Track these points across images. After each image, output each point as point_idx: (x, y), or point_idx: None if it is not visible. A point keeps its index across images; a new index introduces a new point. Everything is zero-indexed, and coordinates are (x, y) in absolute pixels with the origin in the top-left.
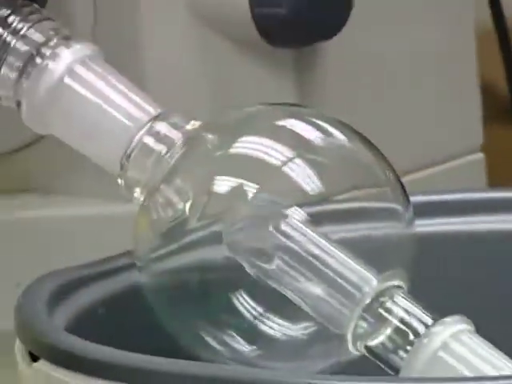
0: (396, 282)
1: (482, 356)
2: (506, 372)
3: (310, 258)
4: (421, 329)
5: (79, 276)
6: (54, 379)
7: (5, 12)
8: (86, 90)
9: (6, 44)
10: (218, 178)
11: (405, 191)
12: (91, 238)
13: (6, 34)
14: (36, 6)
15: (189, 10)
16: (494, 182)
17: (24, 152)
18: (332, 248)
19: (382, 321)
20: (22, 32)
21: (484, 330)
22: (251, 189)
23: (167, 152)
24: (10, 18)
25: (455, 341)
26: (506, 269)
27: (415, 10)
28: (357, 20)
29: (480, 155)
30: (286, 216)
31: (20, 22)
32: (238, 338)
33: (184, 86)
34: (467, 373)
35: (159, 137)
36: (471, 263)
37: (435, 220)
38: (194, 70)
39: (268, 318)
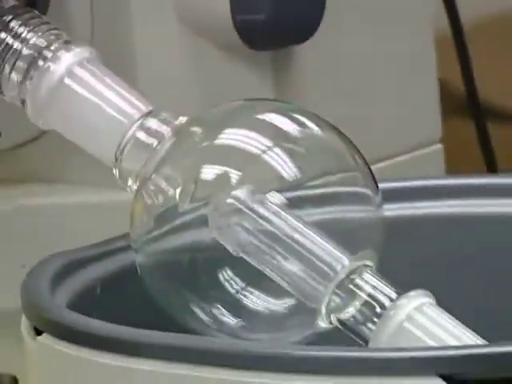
0: (366, 262)
1: (444, 326)
2: (466, 341)
3: (287, 239)
4: (387, 302)
5: (79, 257)
6: (55, 351)
7: (8, 17)
8: (84, 89)
9: (9, 47)
10: (204, 166)
11: (374, 177)
12: (90, 223)
13: (9, 38)
14: (37, 12)
15: (178, 19)
16: (451, 170)
17: (29, 145)
18: (307, 230)
19: (352, 296)
20: (25, 36)
21: (445, 302)
22: (234, 176)
23: (158, 145)
24: (13, 23)
25: (418, 312)
26: (462, 247)
27: (381, 16)
28: (326, 25)
29: (439, 146)
30: (265, 200)
31: (22, 26)
32: (224, 311)
33: (173, 87)
34: (431, 342)
35: (150, 131)
36: (434, 243)
37: (401, 204)
38: (182, 73)
39: (250, 293)
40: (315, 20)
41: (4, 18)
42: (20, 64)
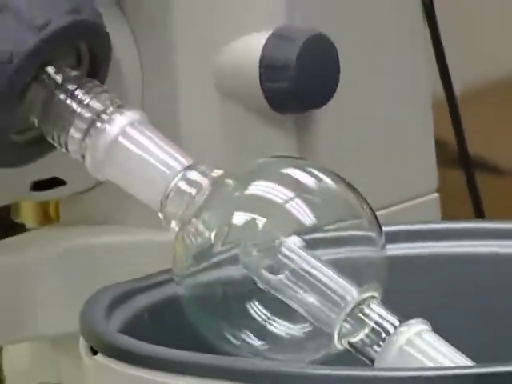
0: (372, 293)
1: (439, 350)
2: (457, 362)
3: (305, 274)
4: (391, 329)
5: (130, 288)
6: (108, 369)
7: (73, 86)
8: (135, 146)
9: (73, 111)
10: (235, 213)
11: (378, 222)
12: (139, 258)
13: (74, 103)
14: (97, 82)
15: (216, 88)
16: (446, 216)
17: (89, 192)
18: (322, 266)
19: (361, 323)
20: (86, 102)
21: (441, 330)
22: (261, 222)
23: (196, 193)
24: (77, 91)
25: (417, 338)
26: (455, 280)
27: (388, 85)
28: (339, 94)
29: (435, 195)
30: (287, 242)
31: (85, 94)
32: (251, 335)
33: (211, 144)
34: (428, 363)
35: (190, 182)
36: (429, 278)
37: (402, 245)
38: (219, 132)
39: (274, 320)
40: (331, 89)
41: (70, 87)
42: (81, 125)
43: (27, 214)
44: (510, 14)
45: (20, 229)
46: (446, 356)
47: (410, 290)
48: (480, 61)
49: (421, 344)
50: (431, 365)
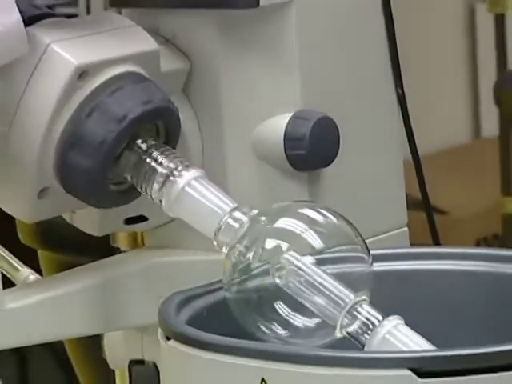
0: (363, 297)
1: (411, 338)
2: (424, 347)
3: (316, 283)
4: (376, 322)
5: (192, 293)
6: (178, 350)
7: (154, 152)
8: (197, 194)
9: (153, 169)
10: (267, 240)
11: (367, 247)
12: (199, 272)
13: (153, 163)
14: (170, 148)
15: (254, 153)
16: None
17: (165, 225)
18: (328, 277)
19: (355, 318)
20: (162, 163)
21: (410, 323)
22: (284, 246)
23: (240, 227)
24: (157, 156)
25: (395, 329)
26: (423, 289)
27: (372, 148)
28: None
29: (406, 228)
30: (303, 260)
31: (162, 157)
32: (278, 326)
33: (249, 192)
34: (403, 348)
35: (235, 219)
36: (405, 286)
37: (384, 263)
38: (254, 183)
39: (293, 316)
40: (333, 154)
41: (152, 152)
42: (160, 179)
43: (121, 240)
44: (456, 98)
45: (116, 251)
46: (416, 342)
47: (390, 294)
48: (433, 133)
49: (397, 334)
50: (405, 349)
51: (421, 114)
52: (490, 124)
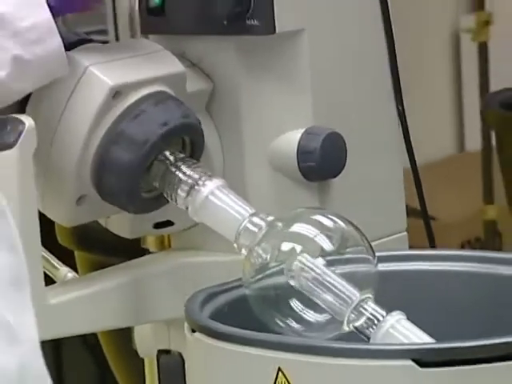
0: (368, 295)
1: (412, 331)
2: (425, 340)
3: (326, 282)
4: (380, 318)
5: (214, 291)
6: (202, 341)
7: (180, 164)
8: (219, 201)
9: (180, 179)
10: (283, 243)
11: (373, 249)
12: (220, 270)
13: (180, 174)
14: (195, 160)
15: (270, 164)
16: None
17: (190, 229)
18: (336, 277)
19: (361, 314)
20: (188, 174)
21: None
22: (298, 248)
23: (258, 231)
24: (183, 167)
25: (397, 323)
26: (422, 289)
27: (373, 162)
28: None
29: (405, 233)
30: (314, 261)
31: (187, 168)
32: (293, 321)
33: (266, 200)
34: (405, 340)
35: (254, 223)
36: (407, 286)
37: (388, 264)
38: (271, 192)
39: (306, 311)
40: (340, 166)
41: (179, 164)
42: (185, 188)
43: (150, 243)
44: (443, 116)
45: (145, 252)
46: (417, 336)
47: (393, 292)
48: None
49: (400, 328)
50: (407, 341)
51: (412, 130)
52: (473, 139)
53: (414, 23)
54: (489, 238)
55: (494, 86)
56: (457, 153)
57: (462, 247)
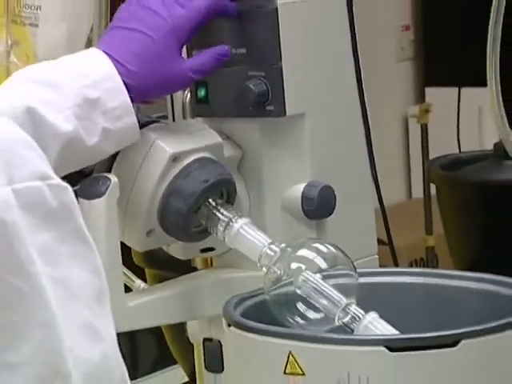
0: (352, 300)
1: (383, 325)
2: (393, 332)
3: (322, 291)
4: (361, 316)
5: (245, 296)
6: (235, 333)
7: (220, 208)
8: (247, 234)
9: (218, 218)
10: (292, 263)
11: (355, 268)
12: (249, 282)
13: (218, 214)
14: (230, 205)
15: (282, 208)
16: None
17: (226, 253)
18: (330, 287)
19: (347, 313)
20: (225, 213)
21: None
22: (302, 267)
23: (274, 255)
24: (222, 210)
25: (373, 320)
26: (390, 295)
27: (353, 203)
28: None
29: (376, 256)
30: (314, 276)
31: (225, 211)
32: (299, 318)
33: (279, 232)
34: (378, 332)
35: (271, 249)
36: (379, 293)
37: (365, 278)
38: (282, 227)
39: (308, 311)
40: (331, 209)
41: (219, 208)
42: (223, 224)
43: (198, 262)
44: (396, 174)
45: (195, 269)
46: (387, 329)
47: (370, 299)
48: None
49: (375, 323)
50: (379, 333)
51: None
52: (418, 190)
53: (378, 110)
54: (429, 259)
55: (432, 154)
56: (407, 199)
57: (411, 265)
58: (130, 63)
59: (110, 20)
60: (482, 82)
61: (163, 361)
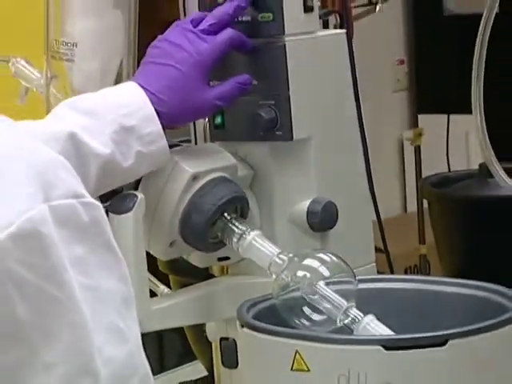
0: (352, 304)
1: (380, 327)
2: (389, 333)
3: (326, 296)
4: (360, 318)
5: (256, 300)
6: (248, 333)
7: (234, 221)
8: (259, 245)
9: (233, 230)
10: (298, 271)
11: (355, 275)
12: (261, 288)
13: (233, 226)
14: (243, 219)
15: (290, 221)
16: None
17: (241, 262)
18: (332, 292)
19: (347, 315)
20: (239, 227)
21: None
22: (308, 275)
23: (282, 264)
24: (236, 223)
25: (371, 322)
26: (385, 299)
27: (352, 217)
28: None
29: (373, 264)
30: (318, 283)
31: (239, 224)
32: (305, 320)
33: (287, 243)
34: (376, 333)
35: (280, 258)
36: (377, 299)
37: (363, 284)
38: (290, 238)
39: (313, 314)
40: (334, 222)
41: (233, 221)
42: (237, 236)
43: (215, 270)
44: (393, 190)
45: (212, 276)
46: (383, 330)
47: (368, 303)
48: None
49: (372, 325)
50: (377, 333)
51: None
52: (412, 205)
53: (377, 134)
54: (422, 266)
55: (425, 173)
56: (402, 213)
57: (406, 272)
58: (161, 93)
59: (138, 56)
60: (469, 110)
61: (186, 357)
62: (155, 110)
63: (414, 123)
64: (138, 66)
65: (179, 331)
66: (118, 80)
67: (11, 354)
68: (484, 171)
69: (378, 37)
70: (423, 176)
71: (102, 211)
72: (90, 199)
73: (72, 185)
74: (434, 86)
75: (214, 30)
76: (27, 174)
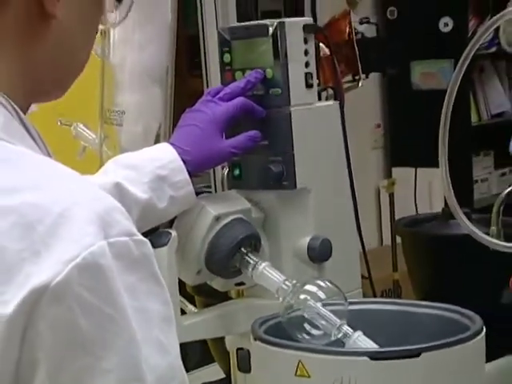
0: (344, 321)
1: (367, 341)
2: (374, 346)
3: (323, 314)
4: (350, 333)
5: (267, 318)
6: (260, 346)
7: (250, 254)
8: (268, 273)
9: (249, 262)
10: (300, 295)
11: (346, 298)
12: (270, 308)
13: (248, 258)
14: (256, 252)
15: (293, 255)
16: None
17: (254, 287)
18: (328, 312)
19: (340, 331)
20: (253, 258)
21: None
22: (308, 297)
23: (288, 288)
24: (251, 256)
25: (360, 337)
26: (370, 319)
27: (343, 249)
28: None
29: (360, 289)
30: (317, 303)
31: (253, 256)
32: (305, 334)
33: (292, 271)
34: (364, 346)
35: (286, 285)
36: (364, 318)
37: (353, 306)
38: (294, 267)
39: (312, 329)
40: (329, 255)
41: (249, 254)
42: (251, 266)
43: (233, 293)
44: (371, 227)
45: (230, 298)
46: (369, 344)
47: (357, 321)
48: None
49: (360, 339)
50: (364, 346)
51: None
52: (387, 239)
53: (358, 183)
54: (395, 290)
55: (397, 215)
56: (379, 246)
57: (382, 294)
58: (185, 145)
59: (173, 121)
60: (432, 164)
61: (205, 360)
62: (182, 159)
63: (389, 174)
64: (173, 129)
65: (203, 342)
66: (157, 140)
67: (77, 363)
68: (446, 214)
69: (360, 106)
70: (396, 217)
71: (150, 247)
72: (140, 237)
73: (126, 225)
74: (405, 145)
75: (228, 98)
76: (91, 217)
